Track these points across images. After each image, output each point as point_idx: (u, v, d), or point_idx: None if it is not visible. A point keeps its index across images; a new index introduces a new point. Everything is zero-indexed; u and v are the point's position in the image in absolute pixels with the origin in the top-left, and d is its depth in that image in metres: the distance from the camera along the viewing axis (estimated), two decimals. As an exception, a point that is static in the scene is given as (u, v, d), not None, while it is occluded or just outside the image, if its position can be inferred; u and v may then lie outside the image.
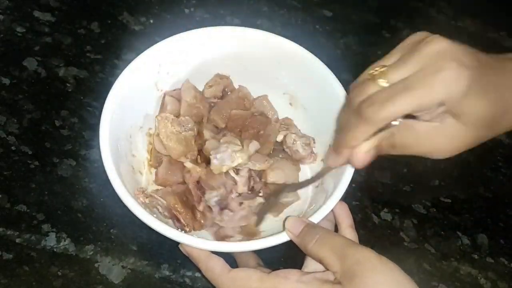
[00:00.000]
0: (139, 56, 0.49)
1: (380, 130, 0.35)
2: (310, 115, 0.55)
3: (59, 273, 0.51)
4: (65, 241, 0.53)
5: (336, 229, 0.45)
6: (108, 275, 0.52)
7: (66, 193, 0.56)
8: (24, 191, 0.55)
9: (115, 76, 0.48)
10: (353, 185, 0.60)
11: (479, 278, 0.56)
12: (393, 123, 0.35)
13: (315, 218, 0.42)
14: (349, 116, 0.36)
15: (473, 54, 0.35)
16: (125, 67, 0.49)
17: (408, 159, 0.64)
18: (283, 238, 0.41)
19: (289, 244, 0.42)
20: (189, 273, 0.53)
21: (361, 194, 0.60)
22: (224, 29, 0.52)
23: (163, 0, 0.72)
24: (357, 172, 0.61)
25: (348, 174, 0.45)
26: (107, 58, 0.66)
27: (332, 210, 0.43)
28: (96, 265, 0.52)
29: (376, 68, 0.35)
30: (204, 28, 0.51)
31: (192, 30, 0.52)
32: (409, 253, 0.57)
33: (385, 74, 0.35)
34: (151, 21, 0.70)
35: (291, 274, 0.39)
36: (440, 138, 0.36)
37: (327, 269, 0.38)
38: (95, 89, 0.63)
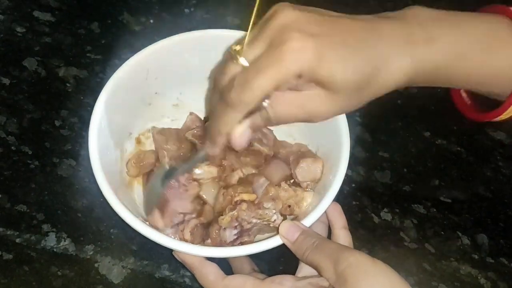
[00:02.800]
0: (126, 62, 0.48)
1: (252, 112, 0.34)
2: (305, 123, 0.54)
3: (59, 273, 0.51)
4: (65, 241, 0.53)
5: (330, 231, 0.45)
6: (108, 275, 0.52)
7: (66, 193, 0.56)
8: (24, 191, 0.55)
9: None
10: (353, 185, 0.60)
11: (479, 278, 0.56)
12: (263, 104, 0.34)
13: (308, 221, 0.42)
14: (216, 102, 0.35)
15: (321, 21, 0.33)
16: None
17: (408, 159, 0.64)
18: (276, 242, 0.41)
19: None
20: (189, 273, 0.53)
21: (361, 194, 0.60)
22: (213, 32, 0.51)
23: (163, 0, 0.72)
24: (356, 172, 0.62)
25: (340, 176, 0.44)
26: (107, 58, 0.66)
27: (325, 212, 0.43)
28: (96, 265, 0.52)
29: (237, 46, 0.34)
30: (191, 32, 0.50)
31: (179, 34, 0.50)
32: (409, 253, 0.57)
33: (243, 52, 0.33)
34: (151, 21, 0.70)
35: (286, 279, 0.38)
36: (312, 105, 0.35)
37: (322, 275, 0.37)
38: (95, 89, 0.63)
